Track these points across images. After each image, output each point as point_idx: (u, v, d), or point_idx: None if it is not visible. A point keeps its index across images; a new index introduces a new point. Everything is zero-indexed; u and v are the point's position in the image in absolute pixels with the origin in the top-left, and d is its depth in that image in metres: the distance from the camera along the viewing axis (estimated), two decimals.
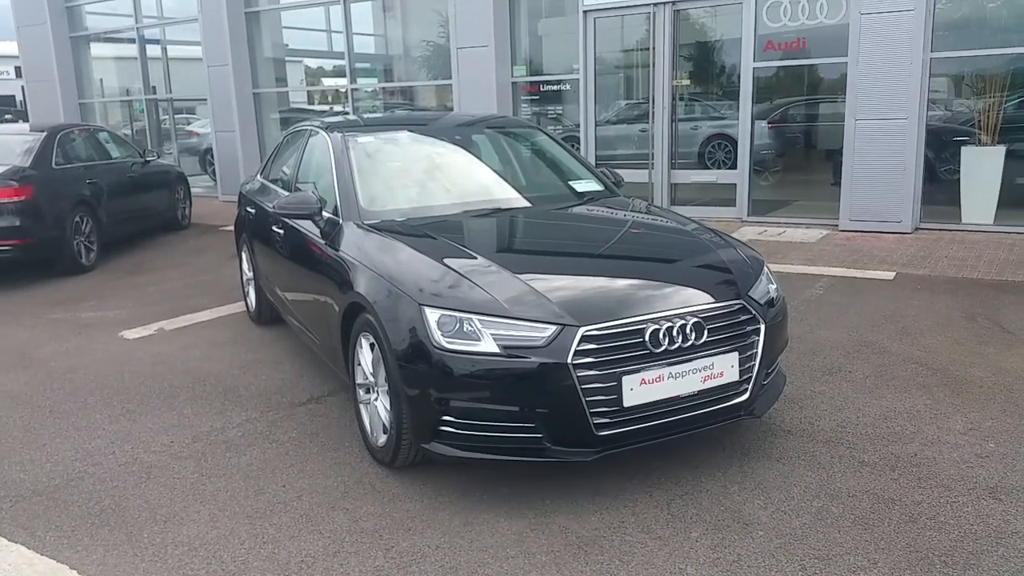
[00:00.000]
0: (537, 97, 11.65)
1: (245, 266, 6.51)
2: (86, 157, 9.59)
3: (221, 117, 13.99)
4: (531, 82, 11.60)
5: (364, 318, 3.75)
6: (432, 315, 3.37)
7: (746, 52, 9.68)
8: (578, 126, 11.11)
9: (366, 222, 4.30)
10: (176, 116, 16.54)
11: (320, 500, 3.58)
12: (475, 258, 3.73)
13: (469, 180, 4.98)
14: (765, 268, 4.00)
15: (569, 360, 3.21)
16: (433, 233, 4.09)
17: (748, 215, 10.06)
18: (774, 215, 10.03)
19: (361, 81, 13.68)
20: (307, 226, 4.66)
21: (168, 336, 6.26)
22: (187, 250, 10.06)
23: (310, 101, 15.16)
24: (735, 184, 10.13)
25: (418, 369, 3.39)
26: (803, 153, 11.09)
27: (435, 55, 12.76)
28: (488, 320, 3.31)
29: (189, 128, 16.86)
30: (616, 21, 10.81)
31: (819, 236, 8.97)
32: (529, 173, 5.30)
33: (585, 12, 10.65)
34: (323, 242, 4.41)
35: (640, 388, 3.29)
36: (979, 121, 8.94)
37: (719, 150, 10.68)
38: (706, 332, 3.43)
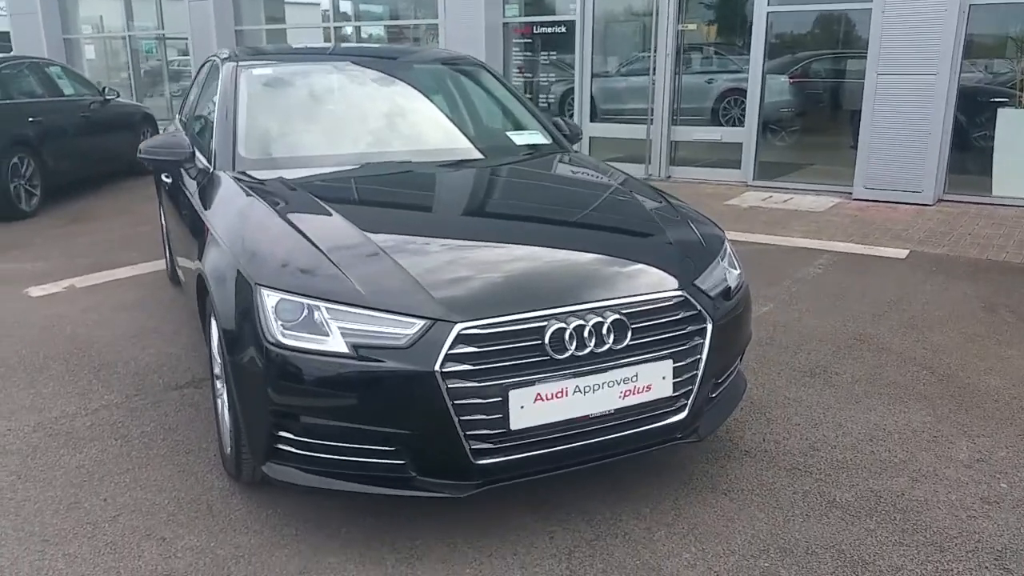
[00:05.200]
0: (530, 41, 10.66)
1: (162, 219, 5.74)
2: (29, 93, 8.81)
3: (202, 56, 13.07)
4: (524, 23, 10.61)
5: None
6: (270, 299, 2.57)
7: None
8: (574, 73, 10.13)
9: (242, 172, 3.50)
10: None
11: (138, 524, 2.83)
12: (344, 229, 2.91)
13: (381, 128, 4.08)
14: (725, 248, 3.16)
15: (437, 367, 2.40)
16: (312, 192, 3.27)
17: (753, 179, 9.09)
18: (783, 179, 9.05)
19: (345, 21, 12.74)
20: (185, 176, 3.88)
21: (75, 295, 5.55)
22: (141, 197, 9.28)
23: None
24: (741, 144, 9.16)
25: (247, 368, 2.61)
26: (826, 112, 9.96)
27: None
28: (339, 310, 2.51)
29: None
30: None
31: (829, 205, 8.03)
32: (460, 121, 4.37)
33: None
34: (196, 198, 3.62)
35: (534, 406, 2.49)
36: (1021, 81, 7.90)
37: (735, 106, 9.65)
38: (630, 333, 2.60)
